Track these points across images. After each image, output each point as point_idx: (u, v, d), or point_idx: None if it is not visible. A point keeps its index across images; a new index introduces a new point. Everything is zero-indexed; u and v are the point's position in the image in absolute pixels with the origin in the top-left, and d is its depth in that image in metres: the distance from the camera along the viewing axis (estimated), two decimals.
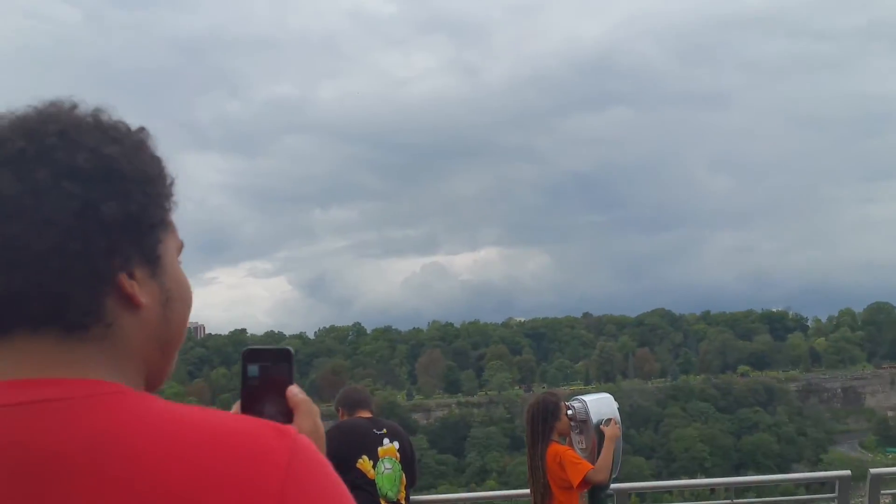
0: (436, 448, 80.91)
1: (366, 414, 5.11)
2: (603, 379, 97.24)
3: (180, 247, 0.94)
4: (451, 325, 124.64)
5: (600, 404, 5.21)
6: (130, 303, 0.85)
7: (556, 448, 5.01)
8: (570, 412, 5.12)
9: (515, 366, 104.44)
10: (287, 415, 0.93)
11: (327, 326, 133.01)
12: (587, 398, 5.26)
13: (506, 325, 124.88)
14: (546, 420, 5.06)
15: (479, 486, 69.75)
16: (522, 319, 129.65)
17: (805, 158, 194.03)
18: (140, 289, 0.86)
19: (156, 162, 0.90)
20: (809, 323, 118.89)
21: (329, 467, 0.81)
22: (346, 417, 5.13)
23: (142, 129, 0.92)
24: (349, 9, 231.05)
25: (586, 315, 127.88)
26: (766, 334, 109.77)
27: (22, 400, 0.76)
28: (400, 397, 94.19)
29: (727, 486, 7.29)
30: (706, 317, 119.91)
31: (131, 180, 0.85)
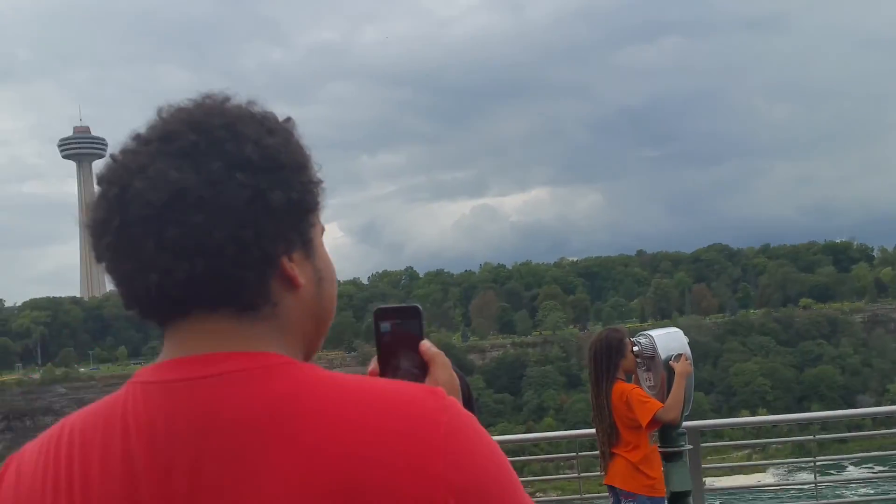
0: (493, 387, 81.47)
1: None
2: (659, 316, 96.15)
3: (323, 230, 1.00)
4: (503, 266, 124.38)
5: (669, 339, 4.83)
6: (291, 284, 0.93)
7: (622, 386, 4.77)
8: (636, 348, 4.83)
9: (569, 305, 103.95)
10: (422, 368, 1.00)
11: (380, 271, 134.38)
12: (654, 333, 4.91)
13: (558, 265, 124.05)
14: (610, 357, 4.82)
15: (537, 423, 70.22)
16: (575, 259, 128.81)
17: (869, 82, 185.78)
18: (298, 270, 0.93)
19: (304, 150, 0.96)
20: (875, 253, 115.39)
21: (477, 422, 0.89)
22: None
23: (288, 120, 0.98)
24: None
25: (640, 253, 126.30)
26: (830, 266, 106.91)
27: (207, 373, 0.86)
28: (455, 339, 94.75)
29: (813, 421, 6.70)
30: (766, 250, 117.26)
31: (289, 169, 0.92)
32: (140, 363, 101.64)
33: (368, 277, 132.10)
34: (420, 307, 1.03)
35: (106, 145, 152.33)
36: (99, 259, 0.92)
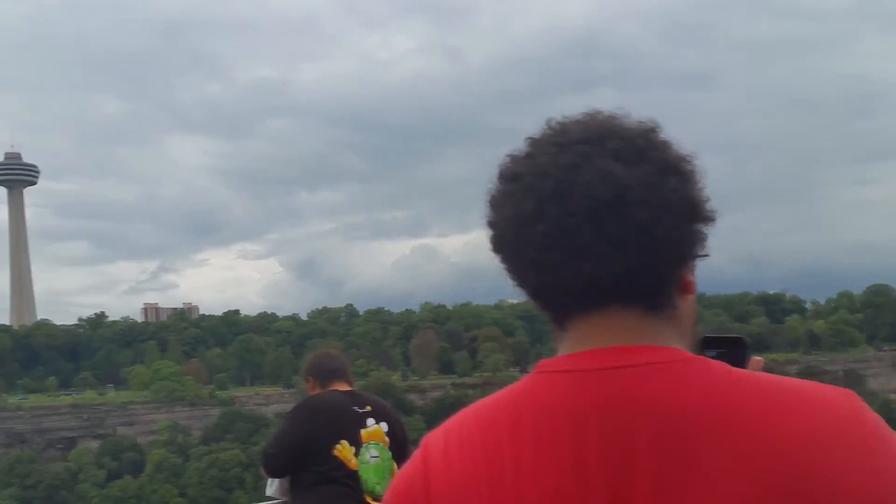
0: (433, 428, 79.53)
1: (343, 386, 4.03)
2: None
3: None
4: (444, 306, 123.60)
5: None
6: (685, 290, 0.96)
7: None
8: None
9: (509, 347, 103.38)
10: None
11: (319, 308, 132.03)
12: None
13: (498, 307, 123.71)
14: None
15: None
16: (515, 301, 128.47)
17: (797, 140, 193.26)
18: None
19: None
20: (807, 305, 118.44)
21: (885, 423, 0.87)
22: (318, 391, 4.05)
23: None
24: None
25: None
26: (763, 317, 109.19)
27: (630, 363, 0.87)
28: (395, 378, 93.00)
29: None
30: (701, 299, 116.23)
31: (699, 182, 0.94)
32: (70, 394, 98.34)
33: (308, 313, 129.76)
34: (747, 339, 1.06)
35: (38, 172, 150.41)
36: (504, 248, 0.95)
